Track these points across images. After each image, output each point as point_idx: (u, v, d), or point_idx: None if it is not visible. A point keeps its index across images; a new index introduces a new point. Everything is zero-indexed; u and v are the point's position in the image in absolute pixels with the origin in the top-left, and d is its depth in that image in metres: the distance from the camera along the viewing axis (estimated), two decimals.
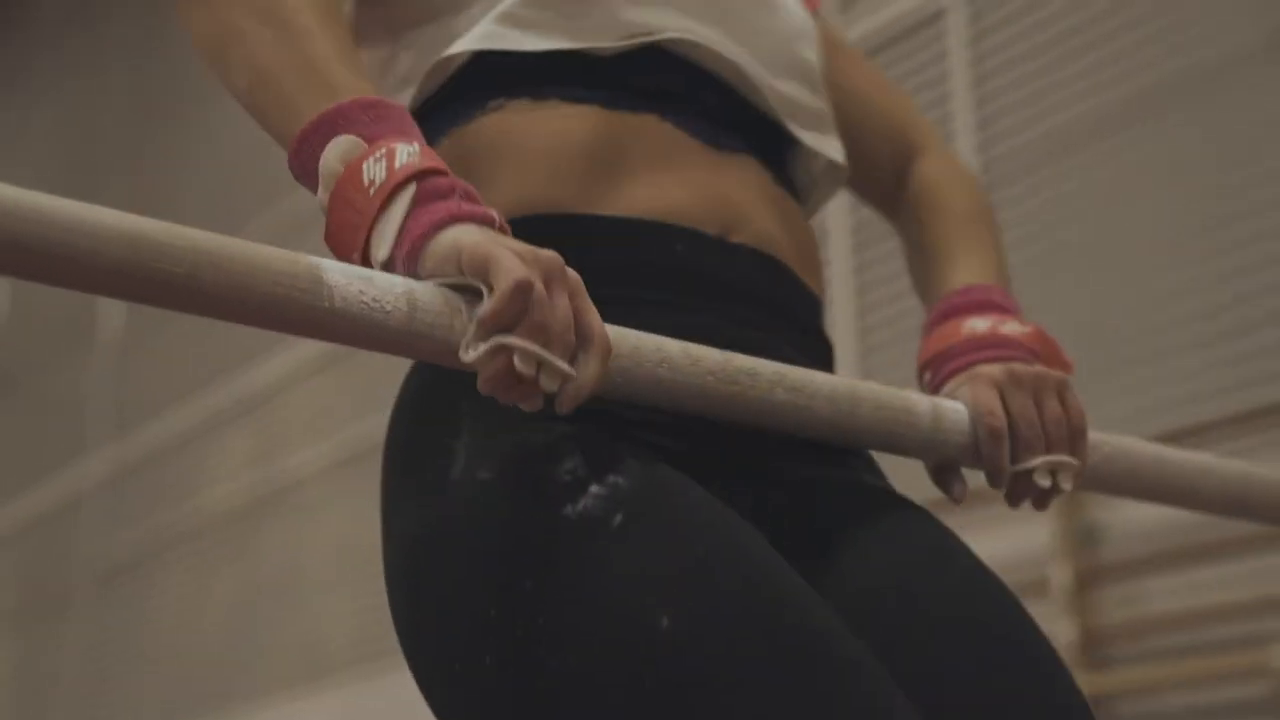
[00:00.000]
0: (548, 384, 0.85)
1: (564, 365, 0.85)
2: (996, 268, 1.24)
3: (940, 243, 1.28)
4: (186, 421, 5.55)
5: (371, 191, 0.91)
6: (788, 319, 1.12)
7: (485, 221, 0.90)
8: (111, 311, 6.14)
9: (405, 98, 1.14)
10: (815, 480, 1.05)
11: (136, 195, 6.07)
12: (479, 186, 1.07)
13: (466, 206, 0.90)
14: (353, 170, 0.92)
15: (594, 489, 0.90)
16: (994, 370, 1.09)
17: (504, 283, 0.84)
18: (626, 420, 0.99)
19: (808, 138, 1.21)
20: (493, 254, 0.86)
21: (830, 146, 1.24)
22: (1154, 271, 2.77)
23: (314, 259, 0.86)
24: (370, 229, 0.91)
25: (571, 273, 0.89)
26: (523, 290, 0.84)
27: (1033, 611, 1.01)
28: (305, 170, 0.95)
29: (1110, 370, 2.78)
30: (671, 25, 1.15)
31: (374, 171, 0.91)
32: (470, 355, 0.85)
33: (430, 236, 0.89)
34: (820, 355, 1.15)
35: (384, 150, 0.92)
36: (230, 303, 0.83)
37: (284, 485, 5.07)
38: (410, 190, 0.90)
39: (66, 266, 0.80)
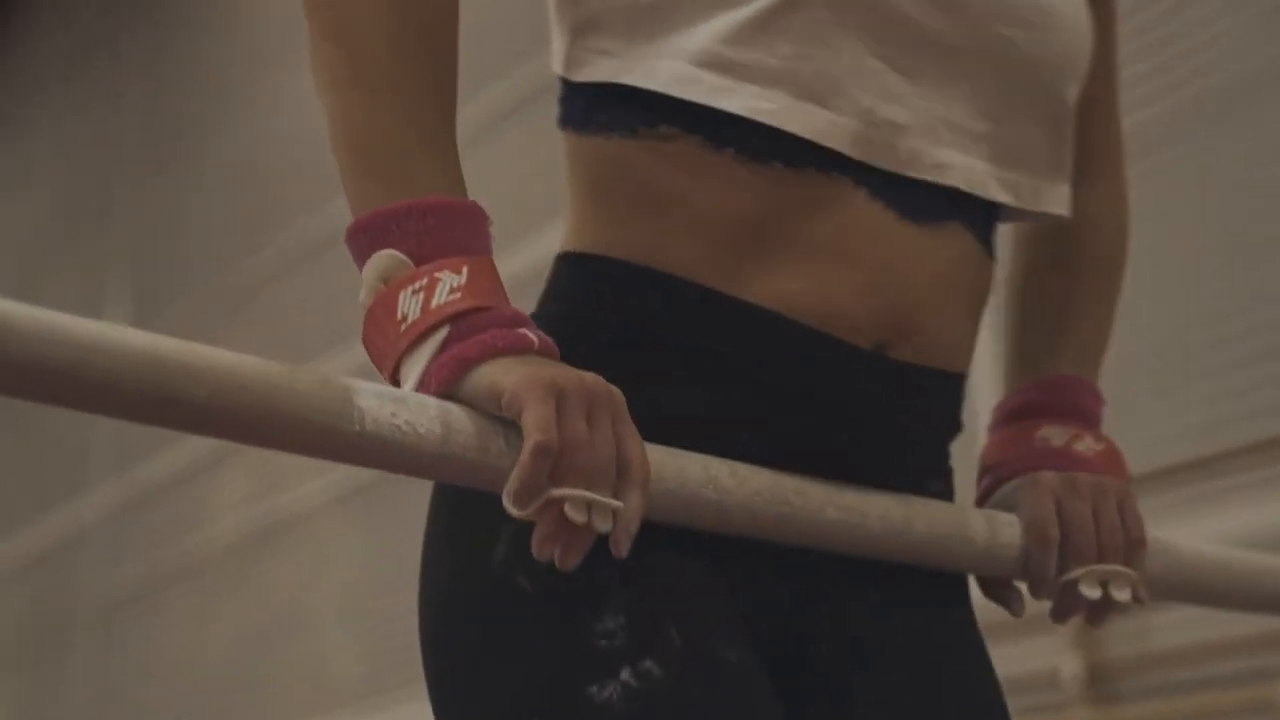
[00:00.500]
0: (601, 525, 0.82)
1: (612, 501, 0.82)
2: (1099, 349, 1.18)
3: (1054, 305, 1.18)
4: (189, 455, 5.51)
5: (403, 327, 0.87)
6: (916, 451, 1.03)
7: (522, 350, 0.86)
8: None
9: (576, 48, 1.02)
10: (864, 604, 1.00)
11: (145, 226, 6.05)
12: (616, 209, 0.99)
13: (503, 339, 0.86)
14: (390, 295, 0.88)
15: (625, 675, 0.87)
16: (1053, 478, 1.05)
17: (526, 444, 0.81)
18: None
19: (1031, 200, 1.06)
20: (524, 400, 0.83)
21: (1055, 199, 1.07)
22: (1178, 296, 2.74)
23: (345, 381, 0.82)
24: (399, 361, 0.88)
25: (615, 394, 0.86)
26: (544, 453, 0.81)
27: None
28: (354, 255, 0.91)
29: (1130, 396, 2.74)
30: (941, 157, 1.00)
31: (409, 305, 0.87)
32: (519, 511, 0.82)
33: (455, 379, 0.86)
34: (933, 481, 1.05)
35: (425, 281, 0.87)
36: (254, 427, 0.79)
37: (287, 519, 5.03)
38: (442, 334, 0.86)
39: (83, 389, 0.76)
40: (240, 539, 5.20)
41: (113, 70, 6.60)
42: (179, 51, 5.95)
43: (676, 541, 0.93)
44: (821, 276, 0.97)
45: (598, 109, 1.00)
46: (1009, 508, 1.06)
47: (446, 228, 0.89)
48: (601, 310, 0.98)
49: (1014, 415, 1.14)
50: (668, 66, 0.97)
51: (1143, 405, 2.73)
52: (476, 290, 0.87)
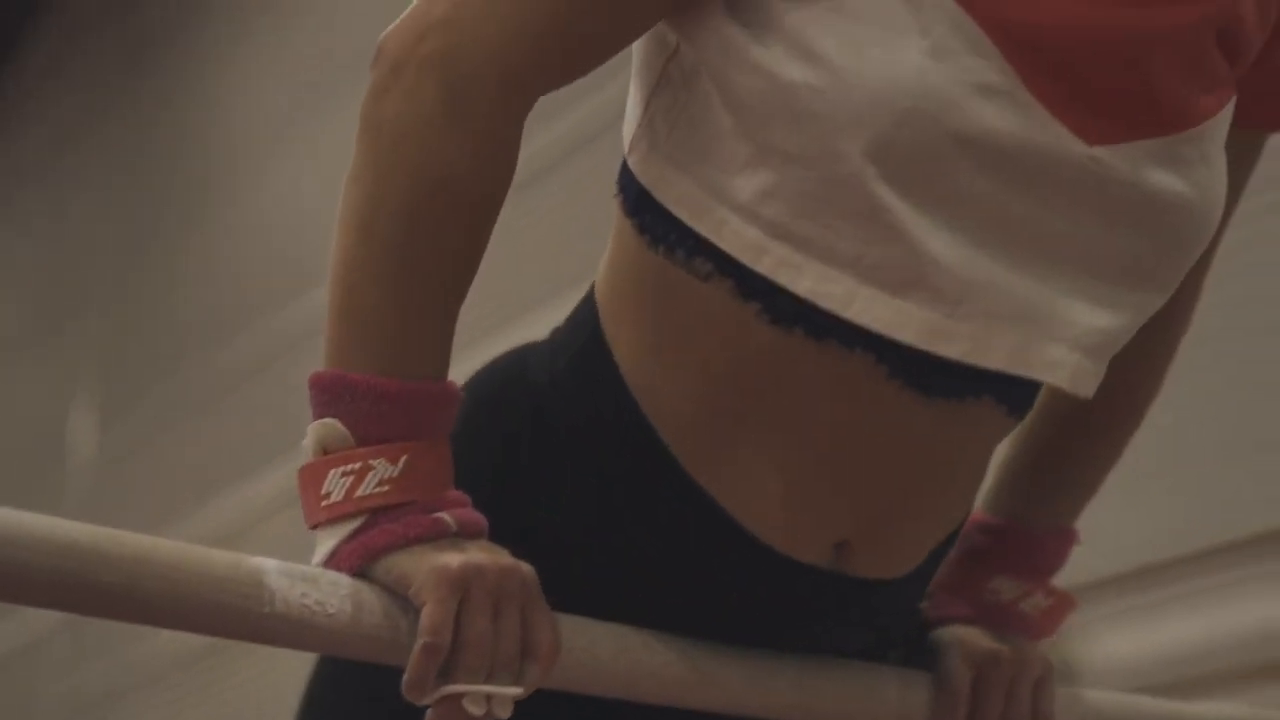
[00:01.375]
0: (501, 712, 0.85)
1: (512, 690, 0.85)
2: (1092, 492, 1.16)
3: (1054, 450, 1.12)
4: None
5: (324, 503, 0.88)
6: (863, 637, 1.02)
7: (438, 536, 0.88)
8: (81, 440, 6.09)
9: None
10: None
11: (117, 322, 6.06)
12: (633, 309, 0.96)
13: (416, 527, 0.87)
14: (320, 469, 0.89)
15: None
16: (980, 647, 1.06)
17: (417, 644, 0.84)
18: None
19: (1068, 380, 0.96)
20: (426, 597, 0.85)
21: (1087, 378, 0.96)
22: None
23: (257, 562, 0.84)
24: (315, 528, 0.90)
25: (527, 579, 0.88)
26: (432, 654, 0.84)
27: None
28: (310, 399, 0.91)
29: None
30: (1052, 355, 0.93)
31: (335, 485, 0.88)
32: (416, 702, 0.85)
33: (362, 566, 0.88)
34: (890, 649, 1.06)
35: (358, 467, 0.87)
36: (168, 611, 0.82)
37: None
38: (358, 521, 0.88)
39: None
40: (206, 641, 5.17)
41: (89, 165, 6.64)
42: (156, 147, 5.98)
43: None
44: (798, 468, 0.94)
45: (646, 209, 0.96)
46: (934, 651, 1.08)
47: (399, 414, 0.88)
48: (581, 400, 0.98)
49: (977, 552, 1.13)
50: (733, 224, 0.92)
51: (1095, 512, 2.74)
52: (408, 483, 0.88)
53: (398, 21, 0.91)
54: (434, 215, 0.88)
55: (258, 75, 5.35)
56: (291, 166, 5.00)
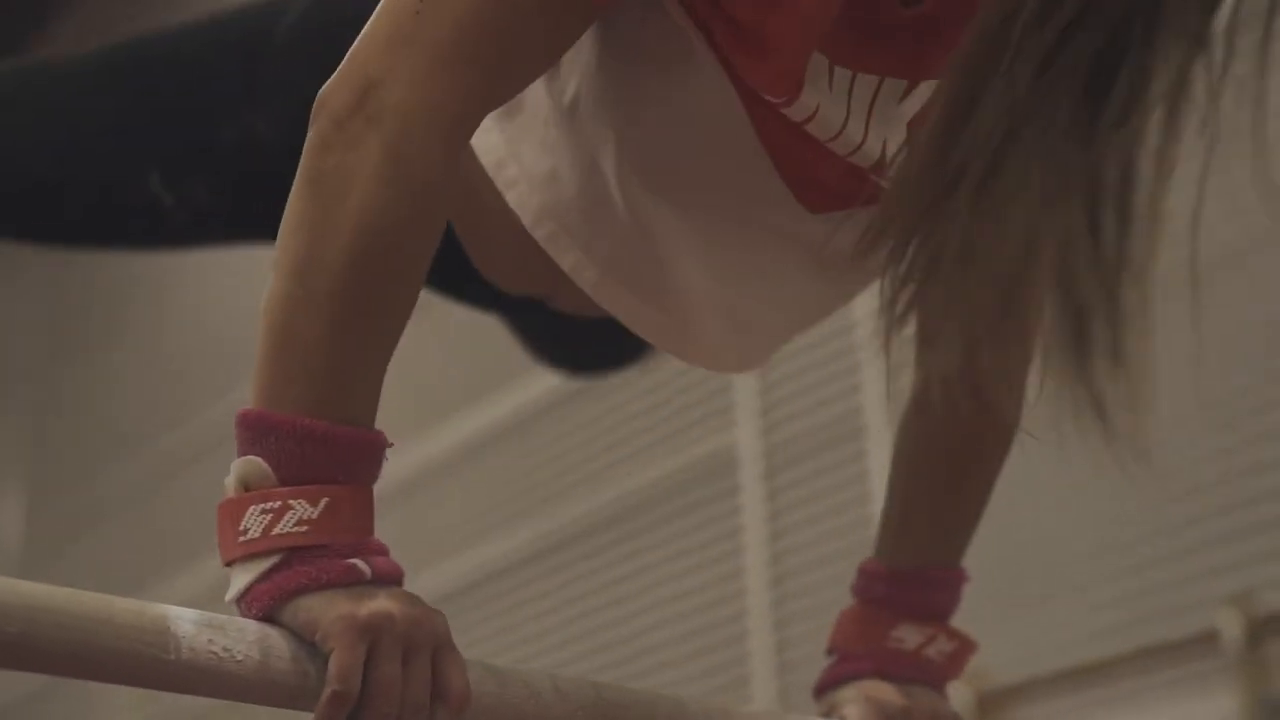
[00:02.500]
0: None
1: None
2: (970, 534, 1.17)
3: (940, 491, 1.17)
4: None
5: (240, 539, 0.88)
6: None
7: (351, 582, 0.87)
8: (7, 533, 6.01)
9: None
10: None
11: (44, 413, 5.99)
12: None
13: (329, 571, 0.87)
14: (240, 505, 0.89)
15: None
16: (891, 701, 1.09)
17: (325, 691, 0.84)
18: None
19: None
20: (334, 644, 0.85)
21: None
22: (1071, 504, 2.76)
23: (162, 609, 0.83)
24: (230, 565, 0.90)
25: (437, 625, 0.88)
26: (339, 703, 0.84)
27: None
28: (236, 436, 0.91)
29: (1011, 603, 2.76)
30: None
31: (253, 521, 0.88)
32: None
33: (273, 608, 0.87)
34: None
35: (278, 505, 0.88)
36: (70, 661, 0.80)
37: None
38: (273, 560, 0.88)
39: None
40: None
41: (18, 253, 6.58)
42: (71, 264, 5.93)
43: None
44: None
45: None
46: (839, 706, 1.08)
47: (324, 456, 0.89)
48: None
49: (876, 602, 1.15)
50: (522, 187, 1.13)
51: (1030, 611, 2.75)
52: (327, 526, 0.88)
53: (335, 77, 0.94)
54: (374, 264, 0.90)
55: None
56: (226, 260, 4.98)
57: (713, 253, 1.10)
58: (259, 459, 0.88)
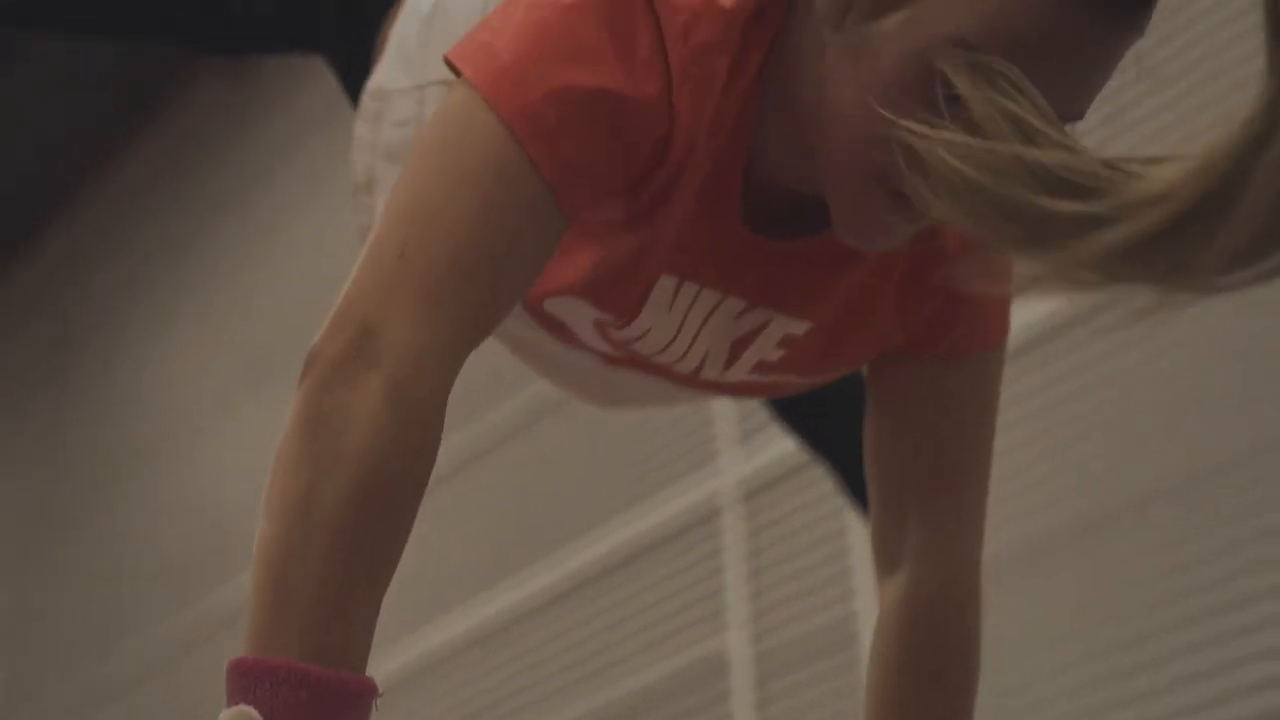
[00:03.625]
0: None
1: None
2: None
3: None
4: None
5: None
6: None
7: None
8: None
9: None
10: None
11: (27, 601, 5.91)
12: None
13: None
14: None
15: None
16: None
17: None
18: None
19: None
20: None
21: None
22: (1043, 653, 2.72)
23: None
24: None
25: None
26: None
27: None
28: (226, 679, 0.89)
29: None
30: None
31: None
32: None
33: None
34: None
35: None
36: None
37: None
38: None
39: None
40: None
41: (4, 442, 6.57)
42: (79, 429, 5.93)
43: None
44: None
45: None
46: None
47: (319, 703, 0.87)
48: None
49: None
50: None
51: None
52: None
53: (326, 329, 0.95)
54: (376, 501, 0.91)
55: (181, 365, 5.35)
56: (213, 454, 4.96)
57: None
58: (251, 709, 0.86)
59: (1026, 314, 2.69)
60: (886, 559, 1.23)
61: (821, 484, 3.19)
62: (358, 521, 0.90)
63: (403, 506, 0.93)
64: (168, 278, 5.45)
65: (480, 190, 0.98)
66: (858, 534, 3.08)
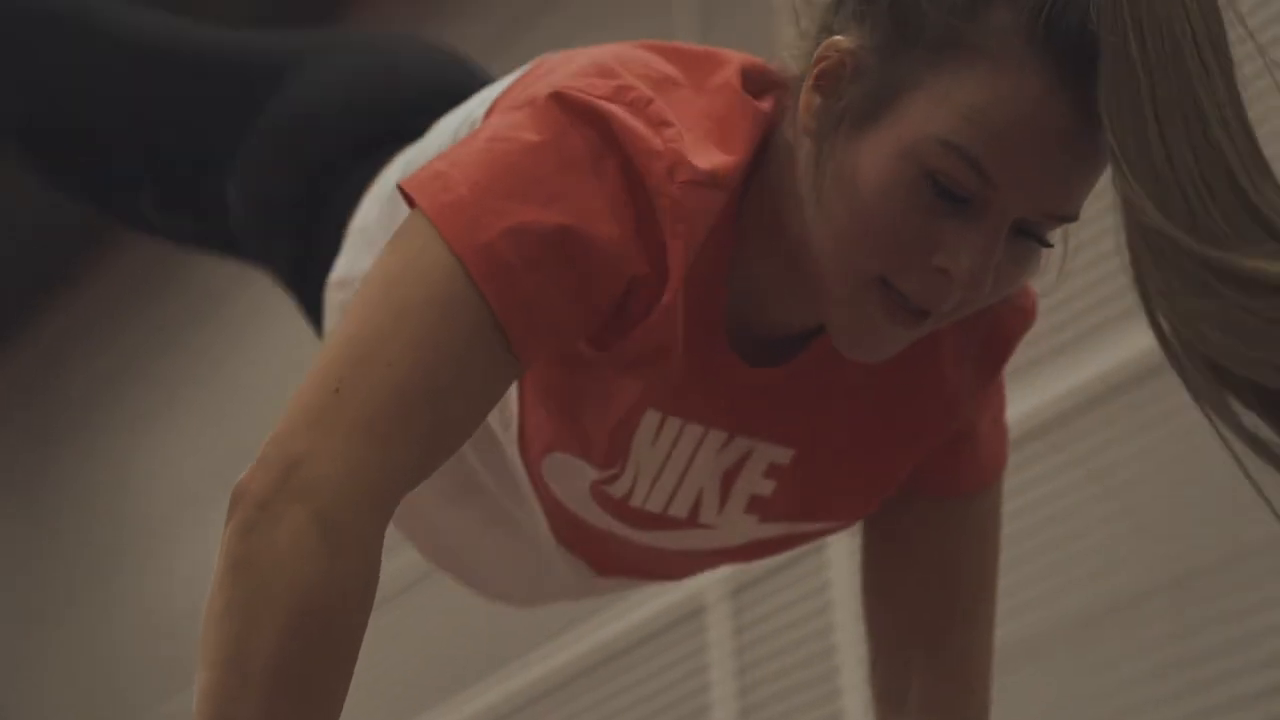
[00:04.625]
0: None
1: None
2: None
3: None
4: None
5: None
6: None
7: None
8: None
9: None
10: None
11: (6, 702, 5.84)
12: None
13: None
14: None
15: None
16: None
17: None
18: None
19: None
20: None
21: None
22: None
23: None
24: None
25: None
26: None
27: None
28: None
29: None
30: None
31: None
32: None
33: None
34: None
35: None
36: None
37: None
38: None
39: None
40: None
41: None
42: (59, 527, 5.87)
43: None
44: None
45: None
46: None
47: None
48: None
49: None
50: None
51: None
52: None
53: (253, 466, 0.91)
54: (309, 645, 0.88)
55: (160, 463, 5.31)
56: (194, 551, 4.92)
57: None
58: None
59: (1016, 408, 2.67)
60: (891, 701, 1.20)
61: (808, 580, 3.17)
62: (293, 665, 0.87)
63: (339, 640, 0.89)
64: (147, 376, 5.42)
65: (425, 324, 0.94)
66: (845, 631, 3.05)
